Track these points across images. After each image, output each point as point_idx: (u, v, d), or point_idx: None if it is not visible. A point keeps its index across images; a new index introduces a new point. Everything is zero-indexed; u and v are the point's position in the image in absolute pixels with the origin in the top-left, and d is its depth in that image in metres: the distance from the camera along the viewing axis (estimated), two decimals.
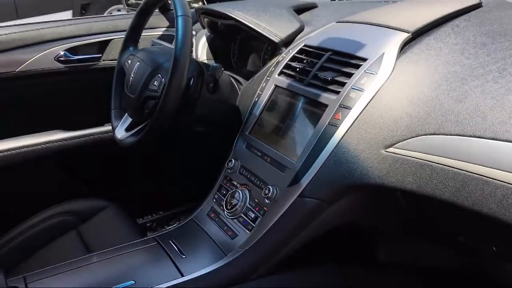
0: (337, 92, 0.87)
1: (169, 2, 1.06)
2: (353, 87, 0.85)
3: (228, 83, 1.19)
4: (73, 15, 4.50)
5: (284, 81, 1.01)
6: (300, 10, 1.24)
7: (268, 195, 0.89)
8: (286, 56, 1.06)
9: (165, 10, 1.59)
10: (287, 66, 1.03)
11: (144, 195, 1.66)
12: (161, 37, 1.53)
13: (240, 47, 1.42)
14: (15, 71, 1.37)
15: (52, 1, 4.41)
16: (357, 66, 0.88)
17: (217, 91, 1.14)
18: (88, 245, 1.24)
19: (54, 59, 1.42)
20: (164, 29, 1.54)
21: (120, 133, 1.21)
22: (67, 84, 1.47)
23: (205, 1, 1.67)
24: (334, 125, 0.84)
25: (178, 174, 1.69)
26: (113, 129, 1.24)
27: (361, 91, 0.84)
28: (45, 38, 1.41)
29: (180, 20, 1.01)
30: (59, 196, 1.41)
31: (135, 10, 1.73)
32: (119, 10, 4.87)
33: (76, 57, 1.45)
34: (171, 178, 1.69)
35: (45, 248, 1.27)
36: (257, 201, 0.93)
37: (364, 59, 0.88)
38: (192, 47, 1.02)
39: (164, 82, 1.06)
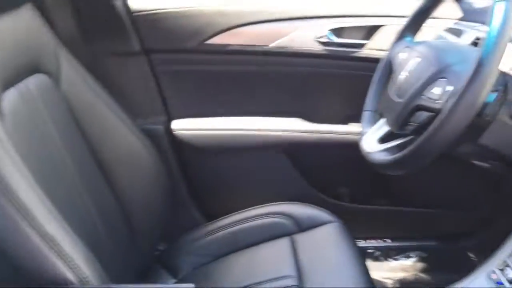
0: None
1: None
2: None
3: None
4: None
5: None
6: None
7: None
8: None
9: None
10: None
11: (372, 215, 1.39)
12: (447, 31, 1.20)
13: None
14: (268, 45, 1.23)
15: None
16: None
17: None
18: (299, 261, 1.05)
19: (314, 39, 1.23)
20: (455, 21, 1.21)
21: (370, 143, 0.95)
22: (319, 69, 1.27)
23: None
24: None
25: (425, 202, 1.36)
26: (362, 135, 0.99)
27: None
28: (309, 14, 1.23)
29: (500, 7, 0.69)
30: (279, 192, 1.25)
31: None
32: None
33: (339, 40, 1.23)
34: (412, 204, 1.37)
35: (253, 248, 1.13)
36: None
37: None
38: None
39: (450, 91, 0.76)
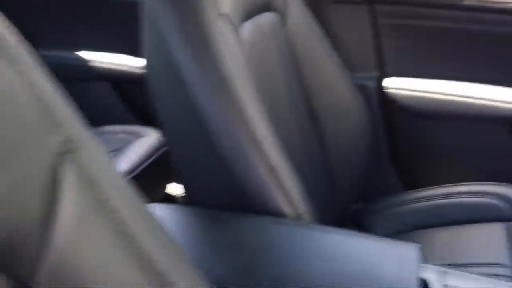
0: None
1: None
2: None
3: None
4: None
5: None
6: None
7: None
8: None
9: None
10: None
11: None
12: None
13: None
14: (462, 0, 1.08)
15: None
16: None
17: None
18: None
19: None
20: None
21: None
22: None
23: None
24: None
25: None
26: None
27: None
28: None
29: None
30: (496, 172, 1.10)
31: None
32: None
33: None
34: None
35: (460, 226, 1.02)
36: None
37: None
38: None
39: None
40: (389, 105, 1.21)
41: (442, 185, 1.09)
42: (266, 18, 0.92)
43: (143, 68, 1.35)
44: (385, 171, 1.27)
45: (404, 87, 1.20)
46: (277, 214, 0.67)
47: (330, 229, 0.67)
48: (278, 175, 0.68)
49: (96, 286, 0.34)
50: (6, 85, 0.31)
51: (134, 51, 1.35)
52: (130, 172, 1.06)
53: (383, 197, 1.15)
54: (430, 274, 0.55)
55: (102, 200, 0.35)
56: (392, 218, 1.08)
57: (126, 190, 0.39)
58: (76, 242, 0.33)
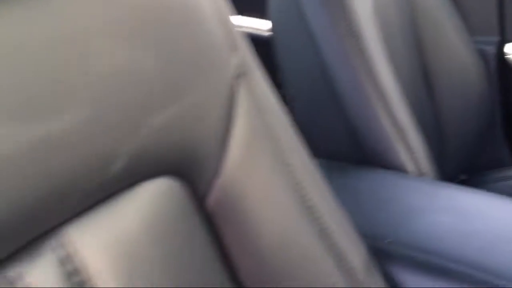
0: None
1: None
2: None
3: None
4: None
5: None
6: None
7: None
8: None
9: None
10: None
11: None
12: None
13: None
14: None
15: None
16: None
17: None
18: None
19: None
20: None
21: None
22: None
23: None
24: None
25: None
26: None
27: None
28: None
29: None
30: None
31: None
32: None
33: None
34: None
35: None
36: None
37: None
38: None
39: None
40: (509, 72, 1.13)
41: None
42: None
43: (261, 28, 1.36)
44: (498, 142, 1.19)
45: None
46: (399, 170, 0.66)
47: (459, 187, 0.64)
48: (403, 131, 0.66)
49: (256, 220, 0.34)
50: (200, 5, 0.32)
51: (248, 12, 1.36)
52: None
53: (493, 170, 1.09)
54: None
55: (268, 127, 0.36)
56: (502, 191, 1.02)
57: (285, 120, 0.39)
58: (244, 167, 0.34)
